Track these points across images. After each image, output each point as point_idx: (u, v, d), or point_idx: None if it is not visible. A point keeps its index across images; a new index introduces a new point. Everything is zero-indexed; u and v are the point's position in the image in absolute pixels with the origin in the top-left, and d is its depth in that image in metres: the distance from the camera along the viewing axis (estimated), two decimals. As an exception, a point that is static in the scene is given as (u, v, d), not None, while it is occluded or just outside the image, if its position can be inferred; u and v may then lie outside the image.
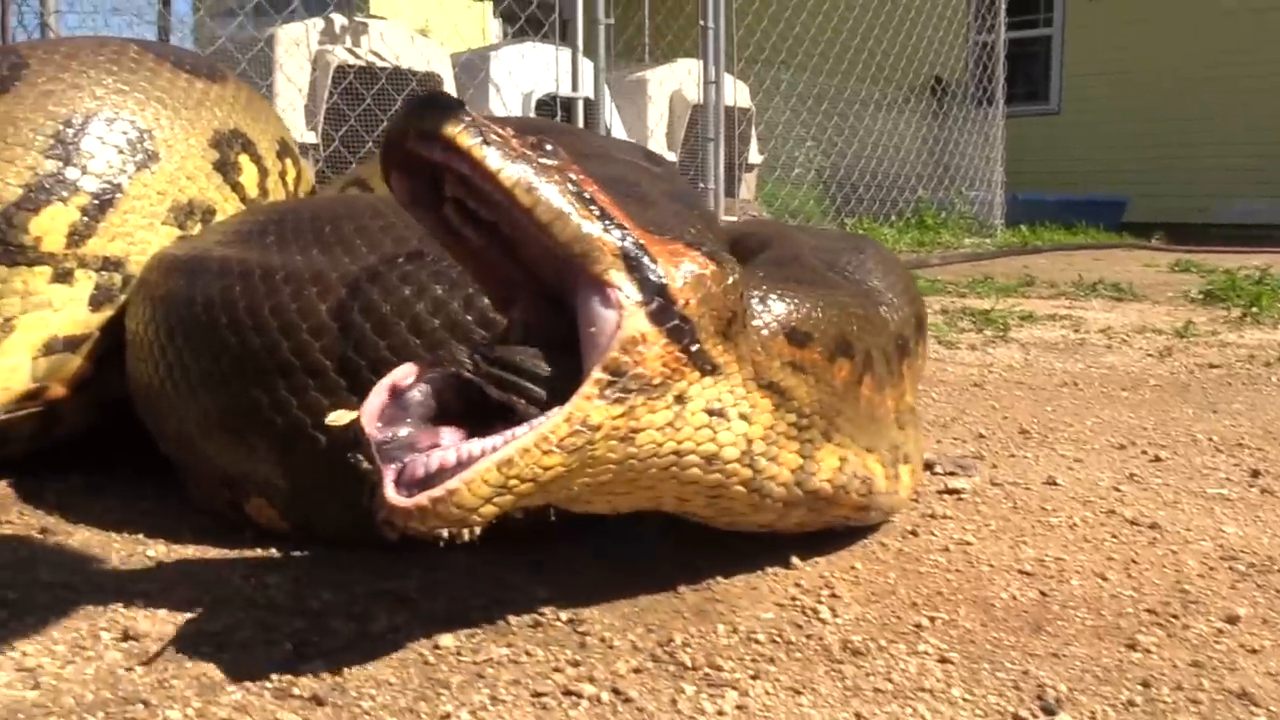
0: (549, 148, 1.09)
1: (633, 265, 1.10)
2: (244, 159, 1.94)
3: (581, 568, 1.42)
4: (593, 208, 1.10)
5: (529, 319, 1.18)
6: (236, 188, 1.91)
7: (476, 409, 1.09)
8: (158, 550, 1.49)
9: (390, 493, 1.02)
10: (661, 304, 1.11)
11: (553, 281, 1.15)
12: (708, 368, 1.16)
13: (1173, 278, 6.40)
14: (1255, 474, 1.94)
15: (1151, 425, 2.34)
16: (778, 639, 1.22)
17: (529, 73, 7.54)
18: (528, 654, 1.17)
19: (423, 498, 1.01)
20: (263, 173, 1.98)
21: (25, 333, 1.70)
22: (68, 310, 1.72)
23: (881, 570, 1.44)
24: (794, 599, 1.33)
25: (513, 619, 1.25)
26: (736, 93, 8.40)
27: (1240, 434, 2.27)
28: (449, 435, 1.07)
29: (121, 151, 1.76)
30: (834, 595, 1.34)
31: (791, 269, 1.64)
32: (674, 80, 8.57)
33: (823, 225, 9.10)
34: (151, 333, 1.56)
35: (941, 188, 10.61)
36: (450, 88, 6.99)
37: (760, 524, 1.36)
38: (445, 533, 1.08)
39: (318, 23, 6.83)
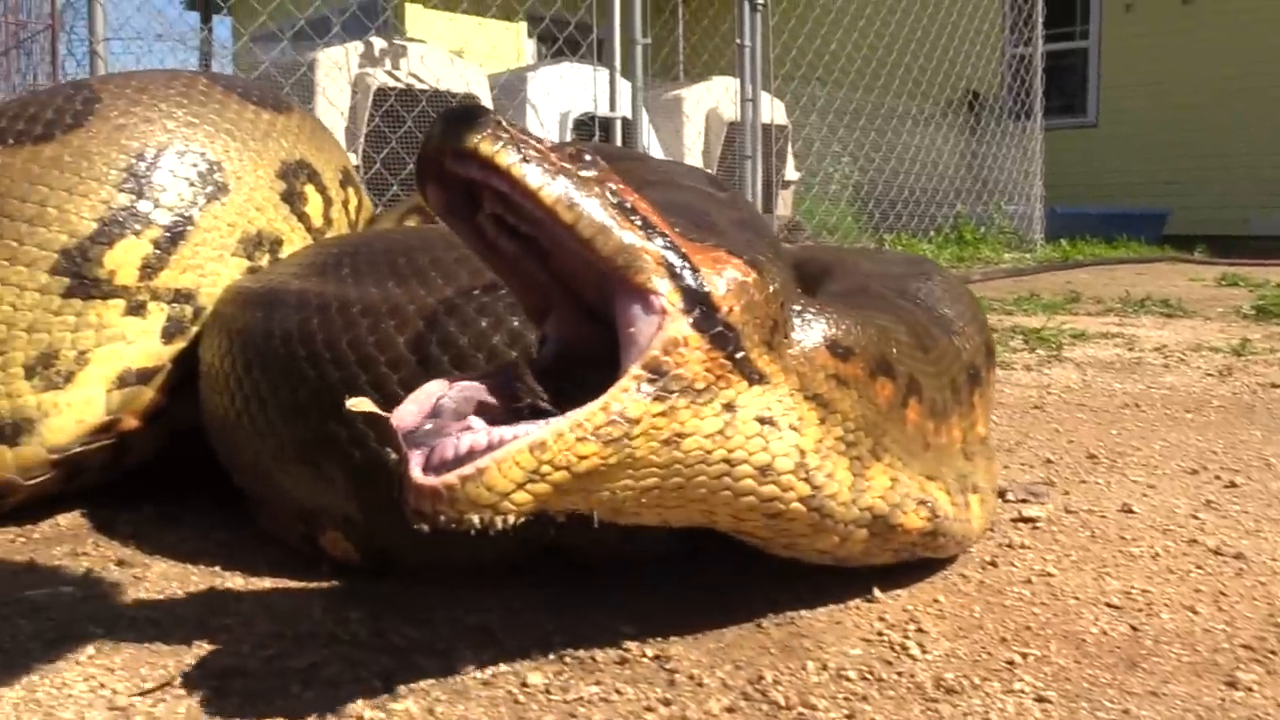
0: (587, 158, 1.07)
1: (675, 273, 1.09)
2: (309, 189, 1.95)
3: (662, 601, 1.40)
4: (634, 218, 1.08)
5: (565, 333, 1.16)
6: (303, 218, 1.92)
7: (508, 417, 1.06)
8: (236, 583, 1.49)
9: (416, 473, 0.99)
10: (704, 311, 1.09)
11: (592, 294, 1.13)
12: (755, 376, 1.14)
13: (1220, 292, 6.32)
14: (1335, 499, 1.90)
15: (1221, 449, 2.30)
16: (869, 676, 1.20)
17: (566, 93, 7.58)
18: (617, 692, 1.15)
19: (451, 476, 0.98)
20: (327, 202, 1.99)
21: (99, 366, 1.71)
22: (140, 343, 1.73)
23: (966, 603, 1.41)
24: (880, 634, 1.31)
25: (599, 655, 1.24)
26: (773, 110, 8.40)
27: (1313, 457, 2.22)
28: (480, 422, 1.04)
29: (192, 184, 1.77)
30: (920, 630, 1.32)
31: (860, 299, 1.62)
32: (710, 98, 8.59)
33: (860, 241, 9.07)
34: (228, 365, 1.56)
35: (980, 202, 10.55)
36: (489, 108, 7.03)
37: (822, 549, 1.32)
38: (479, 520, 1.00)
39: (358, 46, 6.90)
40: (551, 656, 1.24)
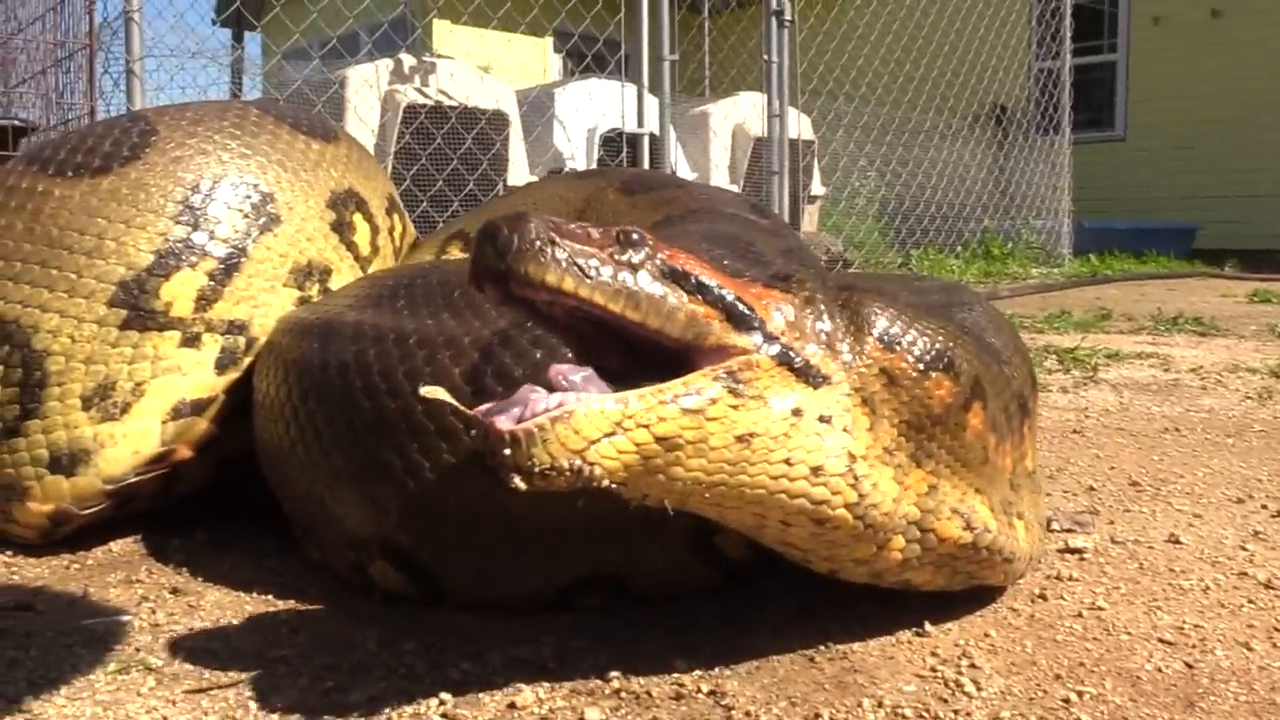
0: (635, 238, 1.11)
1: (737, 322, 1.16)
2: (358, 218, 1.97)
3: (713, 632, 1.41)
4: (688, 283, 1.14)
5: (622, 368, 1.18)
6: (351, 247, 1.94)
7: None
8: (289, 614, 1.50)
9: (505, 423, 1.03)
10: (766, 338, 1.18)
11: (655, 348, 1.17)
12: (819, 380, 1.22)
13: (1253, 309, 6.27)
14: (1384, 530, 1.89)
15: (1265, 476, 2.29)
16: (924, 714, 1.20)
17: (594, 109, 7.61)
18: (676, 729, 1.16)
19: (541, 418, 1.03)
20: (374, 230, 2.02)
21: (155, 397, 1.73)
22: (195, 374, 1.75)
23: (1017, 638, 1.41)
24: (933, 670, 1.31)
25: (654, 690, 1.25)
26: (800, 125, 8.41)
27: (1359, 484, 2.21)
28: (569, 393, 1.09)
29: (246, 216, 1.79)
30: (974, 666, 1.32)
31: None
32: (737, 114, 8.60)
33: (886, 256, 9.05)
34: (284, 394, 1.58)
35: (1007, 217, 10.51)
36: (517, 125, 7.07)
37: (860, 558, 1.32)
38: (570, 471, 1.04)
39: (388, 63, 6.95)
40: (607, 691, 1.25)
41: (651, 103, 7.19)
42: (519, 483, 1.04)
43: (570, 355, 1.23)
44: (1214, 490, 2.18)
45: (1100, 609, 1.52)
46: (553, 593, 1.48)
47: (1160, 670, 1.32)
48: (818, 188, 9.18)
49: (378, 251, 2.02)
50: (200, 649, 1.37)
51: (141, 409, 1.75)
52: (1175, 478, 2.28)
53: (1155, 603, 1.54)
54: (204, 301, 1.76)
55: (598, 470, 1.06)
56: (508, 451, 1.02)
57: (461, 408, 1.10)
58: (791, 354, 1.20)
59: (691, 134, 8.41)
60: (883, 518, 1.27)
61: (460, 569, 1.46)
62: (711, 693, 1.24)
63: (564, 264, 1.05)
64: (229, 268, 1.78)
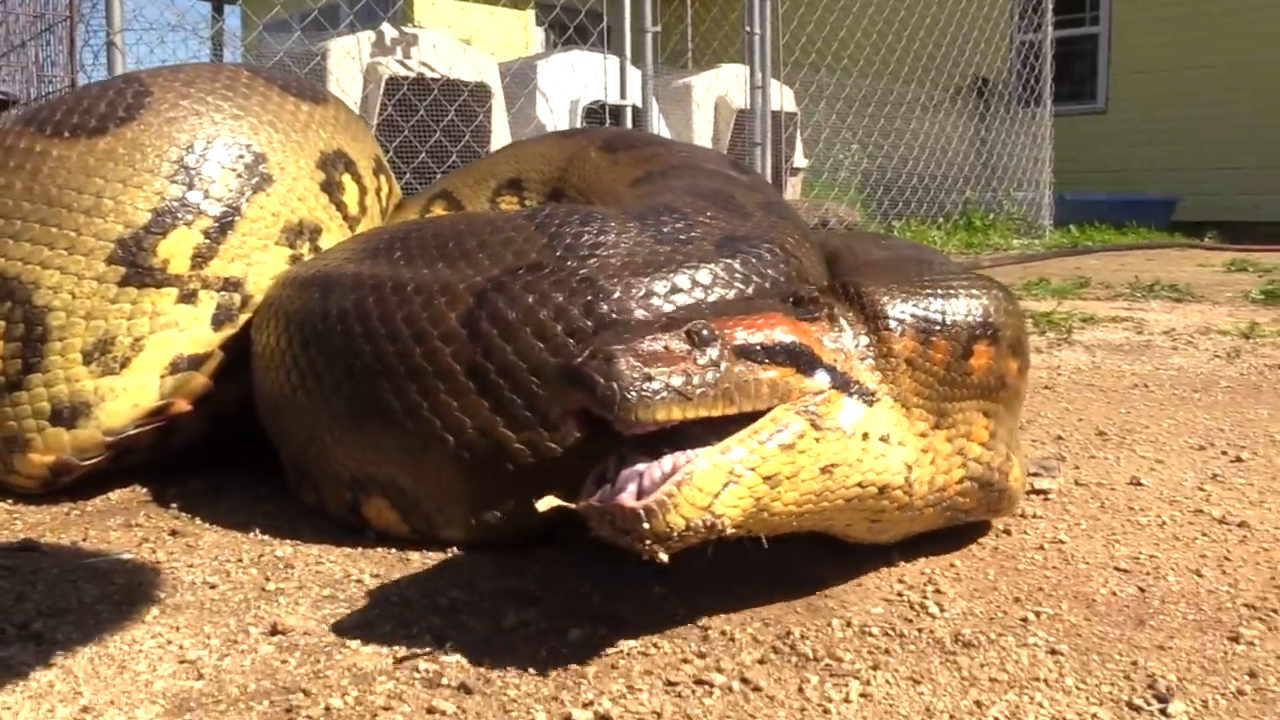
0: (704, 333, 1.17)
1: (807, 367, 1.25)
2: (346, 178, 2.02)
3: (693, 565, 1.47)
4: (759, 354, 1.21)
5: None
6: (340, 207, 2.00)
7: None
8: (285, 551, 1.56)
9: (630, 500, 1.09)
10: (829, 376, 1.27)
11: None
12: (869, 397, 1.31)
13: (1229, 277, 6.36)
14: (1337, 473, 1.97)
15: (1228, 426, 2.37)
16: (890, 632, 1.27)
17: (577, 81, 7.64)
18: (655, 646, 1.23)
19: (669, 485, 1.09)
20: (362, 191, 2.07)
21: (154, 352, 1.78)
22: (192, 330, 1.81)
23: (981, 567, 1.49)
24: (900, 594, 1.39)
25: (633, 612, 1.32)
26: (782, 97, 8.45)
27: (1317, 433, 2.29)
28: (666, 456, 1.14)
29: (239, 175, 1.85)
30: (938, 591, 1.39)
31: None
32: (720, 86, 8.63)
33: (869, 228, 9.11)
34: (284, 344, 1.64)
35: (989, 189, 10.58)
36: (500, 97, 7.09)
37: (896, 535, 1.44)
38: (703, 528, 1.12)
39: (370, 35, 6.95)
40: (589, 614, 1.32)
41: (634, 75, 7.22)
42: (661, 554, 1.11)
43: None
44: (1177, 439, 2.26)
45: (1061, 542, 1.59)
46: (544, 530, 1.54)
47: (1114, 594, 1.40)
48: (800, 160, 9.23)
49: (366, 211, 2.08)
50: (200, 583, 1.44)
51: (140, 363, 1.80)
52: (1141, 428, 2.36)
53: (1114, 536, 1.62)
54: (200, 259, 1.81)
55: (725, 521, 1.14)
56: (646, 525, 1.09)
57: (579, 504, 1.14)
58: (847, 380, 1.28)
59: (674, 106, 8.44)
60: (922, 501, 1.39)
61: (453, 506, 1.53)
62: (689, 614, 1.31)
63: (666, 396, 1.11)
64: (224, 226, 1.83)
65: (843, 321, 1.34)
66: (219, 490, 1.86)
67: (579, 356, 1.11)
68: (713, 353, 1.16)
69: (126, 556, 1.54)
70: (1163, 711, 1.09)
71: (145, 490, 1.87)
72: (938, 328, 1.40)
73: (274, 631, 1.27)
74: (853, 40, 9.25)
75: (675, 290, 1.55)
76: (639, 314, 1.45)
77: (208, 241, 1.81)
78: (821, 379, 1.25)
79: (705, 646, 1.23)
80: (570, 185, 2.11)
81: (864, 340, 1.34)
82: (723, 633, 1.26)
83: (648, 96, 7.17)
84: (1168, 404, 2.63)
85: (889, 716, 1.08)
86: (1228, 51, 11.95)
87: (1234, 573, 1.47)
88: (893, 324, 1.36)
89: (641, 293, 1.52)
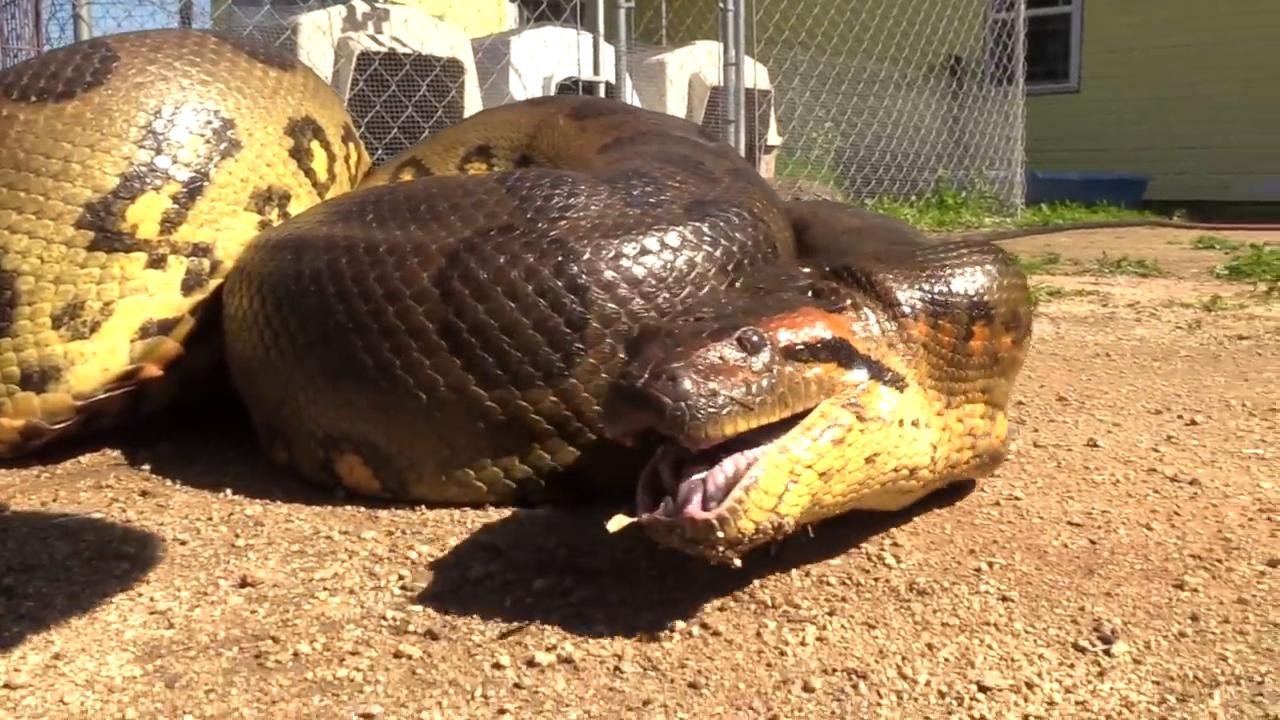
0: (754, 339, 1.18)
1: (847, 361, 1.28)
2: (315, 145, 2.03)
3: (656, 522, 1.51)
4: (804, 353, 1.23)
5: None
6: (309, 173, 2.01)
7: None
8: (255, 510, 1.58)
9: (698, 511, 1.10)
10: (867, 368, 1.30)
11: None
12: (899, 382, 1.35)
13: (1196, 254, 6.44)
14: (1288, 435, 2.02)
15: (1185, 392, 2.42)
16: (848, 581, 1.31)
17: (550, 57, 7.62)
18: (618, 595, 1.26)
19: (738, 491, 1.11)
20: (331, 157, 2.08)
21: (123, 316, 1.79)
22: (161, 295, 1.82)
23: (938, 522, 1.52)
24: (858, 546, 1.42)
25: (598, 564, 1.35)
26: (755, 74, 8.45)
27: (1273, 399, 2.34)
28: (726, 460, 1.16)
29: (207, 141, 1.85)
30: (895, 544, 1.43)
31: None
32: (693, 63, 8.63)
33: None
34: (257, 305, 1.66)
35: (961, 167, 10.63)
36: (472, 73, 7.07)
37: (904, 504, 1.48)
38: (771, 529, 1.14)
39: (340, 10, 6.91)
40: (554, 567, 1.34)
41: (607, 51, 7.21)
42: (735, 559, 1.13)
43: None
44: (1135, 404, 2.30)
45: (1017, 499, 1.63)
46: (516, 491, 1.57)
47: (1066, 546, 1.44)
48: (774, 137, 9.24)
49: (335, 178, 2.09)
50: (171, 539, 1.46)
51: (110, 328, 1.81)
52: (1100, 394, 2.40)
53: (1068, 493, 1.66)
54: (169, 224, 1.82)
55: (789, 520, 1.16)
56: (720, 534, 1.10)
57: (644, 519, 1.14)
58: (881, 368, 1.32)
59: (648, 83, 8.44)
60: (940, 477, 1.45)
61: (425, 463, 1.55)
62: (651, 566, 1.34)
63: (732, 410, 1.12)
64: (192, 191, 1.84)
65: (866, 310, 1.38)
66: (189, 454, 1.88)
67: (640, 377, 1.10)
68: (765, 358, 1.18)
69: (97, 516, 1.56)
70: (1106, 652, 1.13)
71: (116, 454, 1.88)
72: (944, 310, 1.45)
73: (243, 584, 1.30)
74: (826, 18, 9.26)
75: (644, 252, 1.57)
76: (679, 319, 1.32)
77: (176, 206, 1.81)
78: (860, 370, 1.29)
79: (666, 595, 1.26)
80: (539, 152, 2.12)
81: (888, 327, 1.38)
82: (684, 582, 1.29)
83: (621, 73, 7.16)
84: (1128, 372, 2.68)
85: (843, 658, 1.12)
86: (1199, 31, 12.04)
87: (1182, 526, 1.52)
88: (908, 309, 1.41)
89: (611, 254, 1.55)
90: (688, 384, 1.10)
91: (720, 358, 1.15)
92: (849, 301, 1.37)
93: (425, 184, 1.77)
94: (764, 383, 1.16)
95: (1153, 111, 12.37)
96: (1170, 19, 12.22)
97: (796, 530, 1.20)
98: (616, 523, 1.14)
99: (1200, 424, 2.12)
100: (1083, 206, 10.41)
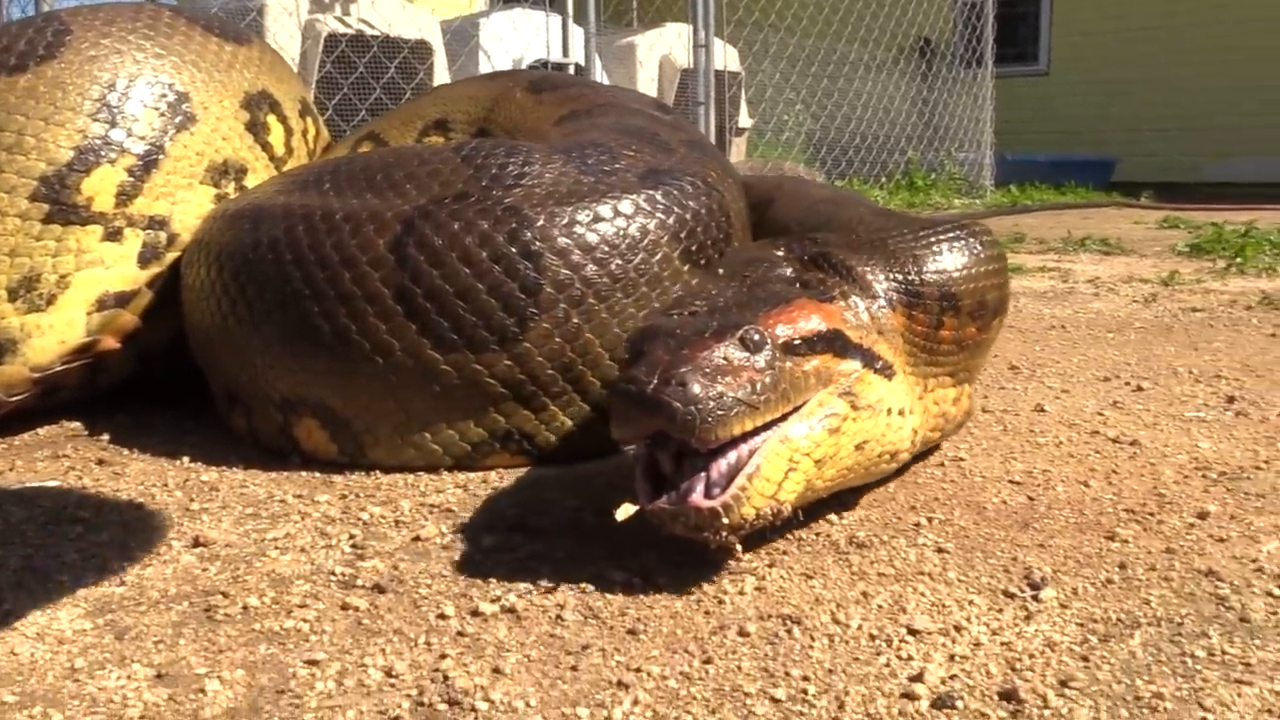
0: (756, 337, 1.21)
1: (842, 351, 1.31)
2: (272, 119, 2.04)
3: (607, 483, 1.54)
4: (802, 347, 1.26)
5: None
6: (266, 147, 2.02)
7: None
8: (210, 476, 1.60)
9: (701, 500, 1.13)
10: (861, 356, 1.34)
11: None
12: (888, 370, 1.39)
13: (1160, 234, 6.51)
14: (1231, 400, 2.06)
15: (1135, 361, 2.47)
16: (789, 536, 1.34)
17: (519, 39, 7.60)
18: (565, 550, 1.29)
19: (741, 479, 1.14)
20: (288, 132, 2.09)
21: (79, 289, 1.80)
22: (118, 267, 1.83)
23: (881, 481, 1.56)
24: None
25: (547, 522, 1.38)
26: (726, 56, 8.47)
27: (1219, 367, 2.39)
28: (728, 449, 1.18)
29: (162, 114, 1.86)
30: (839, 501, 1.46)
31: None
32: (663, 44, 8.63)
33: (814, 188, 9.18)
34: (215, 273, 1.68)
35: (931, 149, 10.69)
36: (441, 55, 7.06)
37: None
38: (770, 514, 1.18)
39: (308, -9, 6.87)
40: (504, 525, 1.37)
41: (577, 33, 7.21)
42: (738, 546, 1.16)
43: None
44: (1085, 372, 2.35)
45: (961, 459, 1.67)
46: (471, 453, 1.59)
47: (1005, 503, 1.48)
48: (745, 119, 9.26)
49: (292, 152, 2.10)
50: (125, 504, 1.47)
51: (67, 300, 1.82)
52: (1052, 363, 2.45)
53: (1011, 455, 1.70)
54: (124, 197, 1.83)
55: (786, 506, 1.20)
56: (724, 520, 1.13)
57: (647, 507, 1.16)
58: (872, 356, 1.35)
59: (618, 65, 8.43)
60: (913, 456, 1.49)
61: (381, 426, 1.58)
62: (599, 524, 1.37)
63: (739, 411, 1.15)
64: (147, 164, 1.85)
65: (854, 299, 1.41)
66: (147, 425, 1.89)
67: (649, 382, 1.13)
68: (766, 355, 1.21)
69: (53, 484, 1.57)
70: (1035, 598, 1.17)
71: (74, 426, 1.89)
72: (917, 301, 1.49)
73: (196, 544, 1.32)
74: (796, 0, 9.28)
75: (598, 219, 1.60)
76: (672, 315, 1.33)
77: (132, 179, 1.82)
78: (854, 359, 1.32)
79: (613, 551, 1.29)
80: (496, 125, 2.14)
81: (874, 315, 1.42)
82: (630, 540, 1.32)
83: (591, 55, 7.16)
84: (1081, 343, 2.73)
85: (779, 605, 1.15)
86: (1168, 15, 12.14)
87: (1119, 484, 1.56)
88: (884, 301, 1.45)
89: (565, 221, 1.57)
90: (696, 388, 1.13)
91: (724, 358, 1.18)
92: (838, 291, 1.40)
93: (382, 154, 1.79)
94: (767, 380, 1.19)
95: (1121, 94, 12.47)
96: (1139, 2, 12.31)
97: (791, 515, 1.23)
98: (624, 511, 1.17)
99: (1146, 390, 2.16)
100: (1051, 188, 10.48)
